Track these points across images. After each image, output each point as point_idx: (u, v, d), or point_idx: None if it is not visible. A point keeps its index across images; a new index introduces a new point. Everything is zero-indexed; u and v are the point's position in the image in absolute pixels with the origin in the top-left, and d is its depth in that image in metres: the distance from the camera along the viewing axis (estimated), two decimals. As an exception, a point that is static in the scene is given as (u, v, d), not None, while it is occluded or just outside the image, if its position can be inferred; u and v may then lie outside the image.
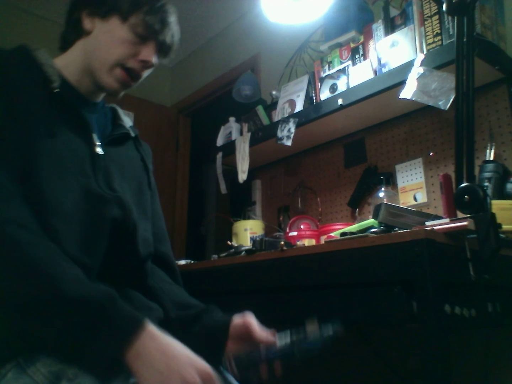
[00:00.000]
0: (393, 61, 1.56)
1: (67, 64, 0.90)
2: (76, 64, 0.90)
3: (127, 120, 1.03)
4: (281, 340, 0.75)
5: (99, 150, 0.87)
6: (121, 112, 1.02)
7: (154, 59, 0.92)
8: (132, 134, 1.00)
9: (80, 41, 0.91)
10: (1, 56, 0.83)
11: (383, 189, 1.70)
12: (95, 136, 0.88)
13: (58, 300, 0.64)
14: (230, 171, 2.26)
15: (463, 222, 0.89)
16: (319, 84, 1.84)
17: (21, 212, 0.70)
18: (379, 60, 1.63)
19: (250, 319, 0.84)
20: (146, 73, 0.95)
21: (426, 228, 0.90)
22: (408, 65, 1.44)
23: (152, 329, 0.67)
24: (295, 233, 1.78)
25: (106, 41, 0.88)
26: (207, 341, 0.76)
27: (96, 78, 0.89)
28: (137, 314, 0.68)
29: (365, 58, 1.71)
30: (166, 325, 0.88)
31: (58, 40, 0.95)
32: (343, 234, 1.05)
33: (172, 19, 0.94)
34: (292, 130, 1.82)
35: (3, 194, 0.70)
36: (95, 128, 0.90)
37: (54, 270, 0.66)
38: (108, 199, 0.83)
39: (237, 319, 0.86)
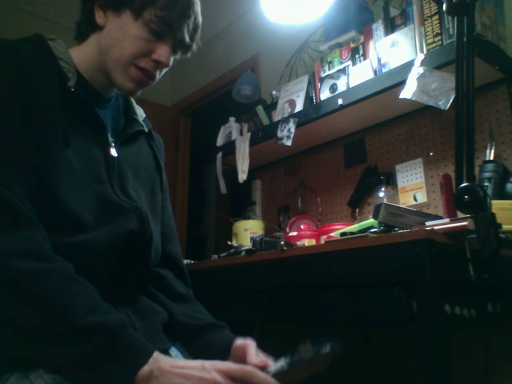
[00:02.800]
0: (393, 61, 1.56)
1: (82, 59, 0.85)
2: (90, 60, 0.85)
3: (141, 112, 0.99)
4: (276, 365, 0.73)
5: (113, 152, 0.85)
6: (134, 103, 0.98)
7: (168, 59, 0.86)
8: (146, 130, 0.97)
9: (94, 35, 0.86)
10: (16, 48, 0.76)
11: (383, 189, 1.70)
12: (109, 136, 0.85)
13: (70, 330, 0.63)
14: (230, 171, 2.25)
15: (463, 222, 0.89)
16: (319, 84, 1.84)
17: (31, 239, 0.66)
18: (379, 60, 1.63)
19: (249, 344, 0.82)
20: (162, 72, 0.89)
21: (426, 228, 0.90)
22: (408, 65, 1.44)
23: (160, 354, 0.67)
24: (295, 233, 1.78)
25: (118, 39, 0.82)
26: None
27: (111, 78, 0.84)
28: (147, 342, 0.68)
29: (365, 58, 1.71)
30: (171, 327, 0.89)
31: (74, 29, 0.89)
32: (343, 234, 1.05)
33: (193, 12, 0.85)
34: (292, 130, 1.82)
35: (13, 220, 0.66)
36: (108, 126, 0.87)
37: (66, 300, 0.65)
38: (127, 208, 0.81)
39: (238, 341, 0.85)
